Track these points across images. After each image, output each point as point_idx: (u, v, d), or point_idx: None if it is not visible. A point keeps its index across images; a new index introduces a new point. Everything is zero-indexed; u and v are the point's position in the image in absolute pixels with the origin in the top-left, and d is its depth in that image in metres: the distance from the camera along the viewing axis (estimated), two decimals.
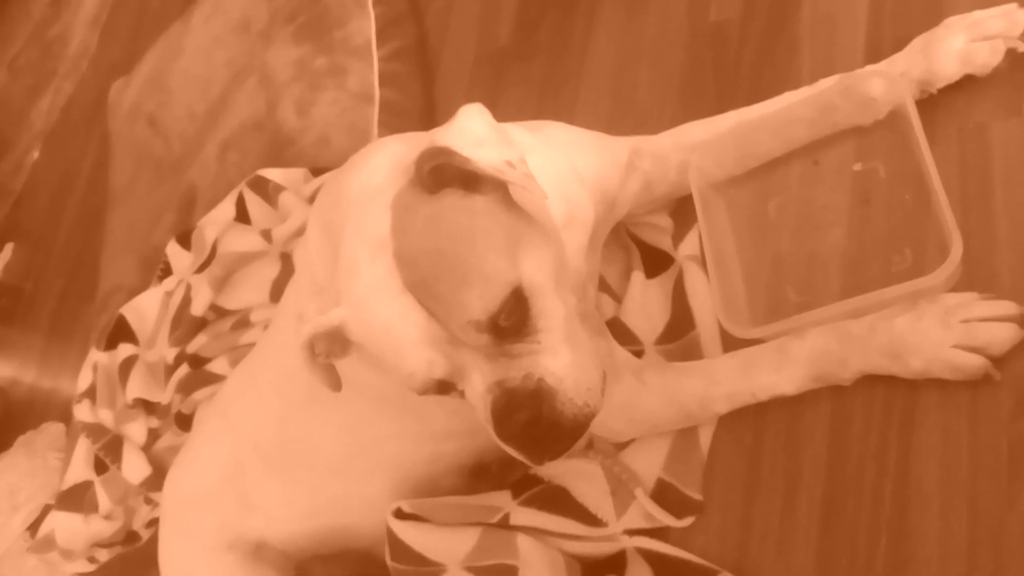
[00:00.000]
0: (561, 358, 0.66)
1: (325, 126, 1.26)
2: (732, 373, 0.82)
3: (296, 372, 0.74)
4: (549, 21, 1.24)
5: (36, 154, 2.29)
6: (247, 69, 1.43)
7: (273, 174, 1.22)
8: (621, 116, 1.12)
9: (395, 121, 1.26)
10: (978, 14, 0.84)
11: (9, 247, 2.20)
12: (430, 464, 0.87)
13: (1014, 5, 0.83)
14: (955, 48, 0.83)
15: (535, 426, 0.64)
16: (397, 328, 0.64)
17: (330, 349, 0.70)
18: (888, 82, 0.85)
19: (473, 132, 0.67)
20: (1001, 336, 0.73)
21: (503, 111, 1.25)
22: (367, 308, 0.65)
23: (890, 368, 0.77)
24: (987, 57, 0.82)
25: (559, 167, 0.83)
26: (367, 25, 1.32)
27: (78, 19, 2.31)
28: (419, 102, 1.29)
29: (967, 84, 0.84)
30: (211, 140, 1.43)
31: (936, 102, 0.86)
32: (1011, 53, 0.82)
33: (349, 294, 0.67)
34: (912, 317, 0.75)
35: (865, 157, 0.88)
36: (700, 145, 0.92)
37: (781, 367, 0.80)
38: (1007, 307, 0.74)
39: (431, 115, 1.29)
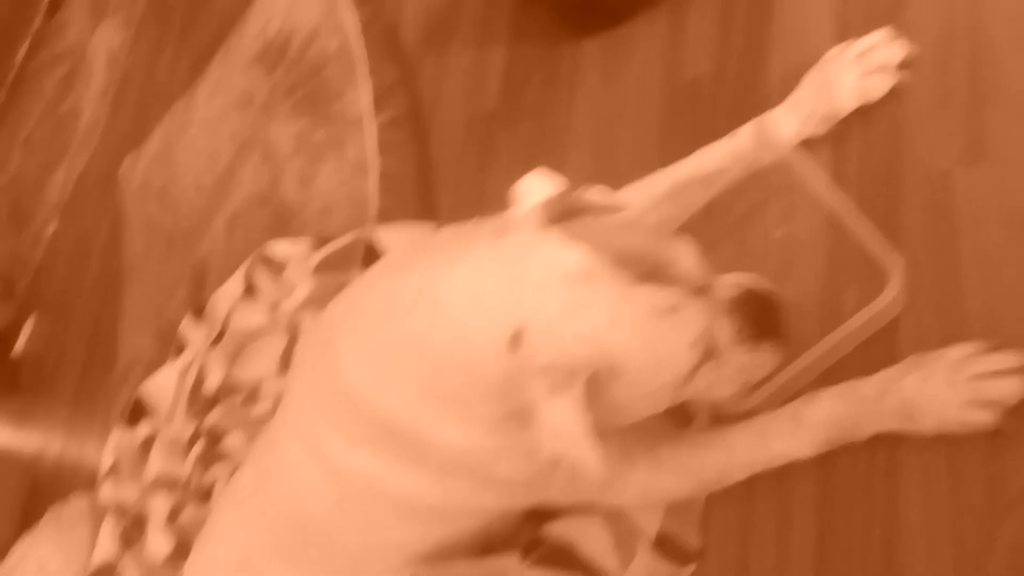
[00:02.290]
0: None
1: (327, 197, 1.32)
2: (748, 442, 0.85)
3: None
4: (534, 84, 1.29)
5: (53, 226, 2.37)
6: (251, 143, 1.49)
7: (279, 247, 1.28)
8: (605, 175, 1.16)
9: (393, 187, 1.31)
10: (859, 46, 0.92)
11: (31, 320, 2.27)
12: (444, 545, 0.90)
13: (888, 34, 0.92)
14: (850, 84, 0.91)
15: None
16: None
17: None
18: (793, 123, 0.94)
19: None
20: (1008, 391, 0.76)
21: (494, 174, 1.31)
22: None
23: (904, 427, 0.80)
24: (880, 88, 0.91)
25: None
26: (363, 96, 1.38)
27: (89, 93, 2.39)
28: (415, 168, 1.34)
29: (930, 131, 0.89)
30: (219, 214, 1.49)
31: (902, 149, 0.90)
32: (978, 99, 0.88)
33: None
34: (919, 378, 0.78)
35: (784, 222, 0.94)
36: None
37: (796, 433, 0.83)
38: (1009, 360, 0.77)
39: (427, 180, 1.34)
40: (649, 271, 0.70)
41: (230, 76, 1.60)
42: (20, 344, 2.19)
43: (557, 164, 1.25)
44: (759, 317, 0.75)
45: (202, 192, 1.57)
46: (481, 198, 1.31)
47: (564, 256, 0.69)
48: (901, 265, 0.80)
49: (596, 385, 0.69)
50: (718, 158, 0.96)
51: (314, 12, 1.49)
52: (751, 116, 1.03)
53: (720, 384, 0.77)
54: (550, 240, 0.70)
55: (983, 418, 0.76)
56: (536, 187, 0.75)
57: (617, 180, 1.17)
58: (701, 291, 0.72)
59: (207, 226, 1.52)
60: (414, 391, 0.74)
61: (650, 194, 0.99)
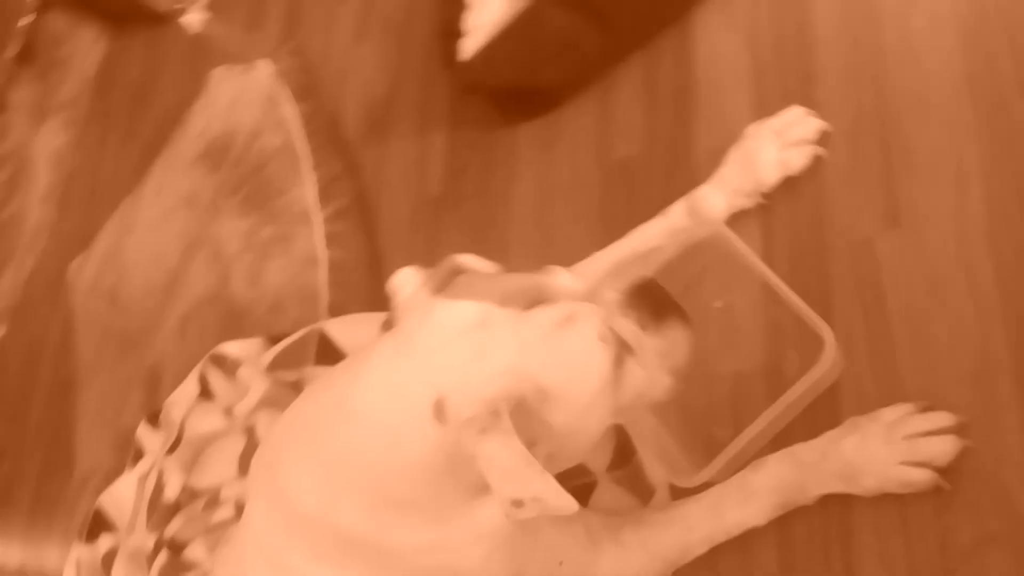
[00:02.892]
0: None
1: (277, 294, 1.32)
2: (703, 516, 0.87)
3: None
4: (474, 168, 1.33)
5: (2, 331, 2.33)
6: (199, 242, 1.50)
7: (231, 348, 1.27)
8: (549, 251, 1.19)
9: (343, 279, 1.33)
10: (776, 123, 0.98)
11: None
12: None
13: (801, 111, 0.98)
14: (772, 159, 0.96)
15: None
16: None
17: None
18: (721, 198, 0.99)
19: None
20: (943, 449, 0.79)
21: (443, 257, 1.32)
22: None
23: (847, 489, 0.82)
24: (801, 162, 0.97)
25: None
26: (308, 191, 1.40)
27: (32, 196, 2.37)
28: (364, 257, 1.35)
29: (849, 201, 0.94)
30: (170, 314, 1.48)
31: (824, 218, 0.94)
32: (890, 168, 0.92)
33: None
34: (857, 439, 0.82)
35: (722, 293, 0.98)
36: None
37: (747, 502, 0.85)
38: (943, 419, 0.81)
39: (377, 269, 1.36)
40: (534, 299, 0.72)
41: (175, 176, 1.61)
42: None
43: (502, 243, 1.29)
44: (651, 302, 0.78)
45: (152, 293, 1.56)
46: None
47: (453, 313, 0.71)
48: (831, 334, 0.83)
49: (528, 412, 0.69)
50: (655, 235, 1.00)
51: (255, 110, 1.52)
52: (682, 191, 1.07)
53: (653, 378, 0.78)
54: (436, 306, 0.72)
55: (921, 478, 0.79)
56: (408, 277, 0.78)
57: (561, 255, 1.19)
58: (588, 298, 0.75)
59: (159, 327, 1.51)
60: (365, 503, 0.74)
61: (594, 272, 1.01)
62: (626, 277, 0.98)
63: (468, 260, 0.83)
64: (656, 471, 0.96)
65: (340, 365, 0.84)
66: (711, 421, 0.95)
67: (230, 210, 1.46)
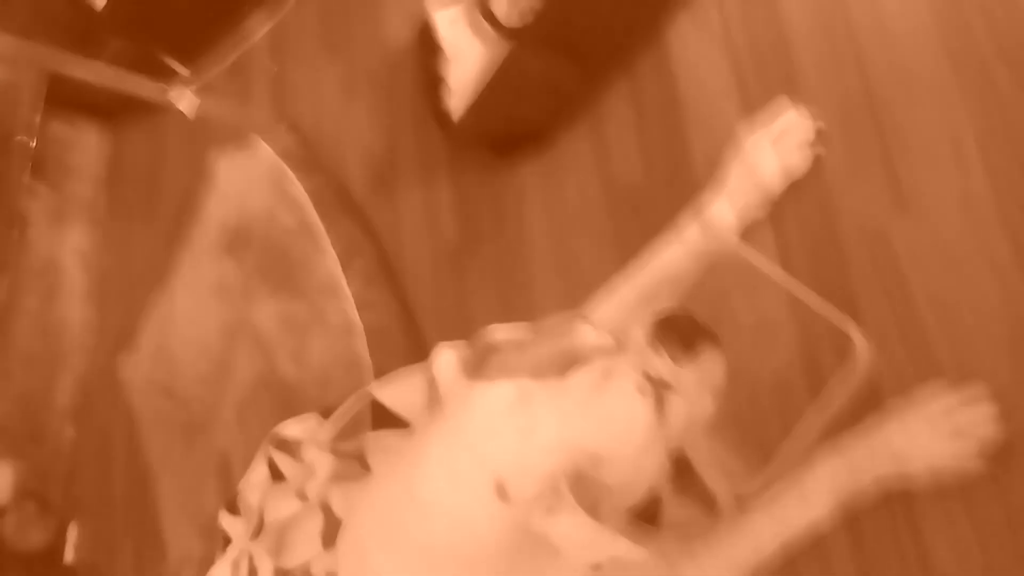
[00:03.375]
0: None
1: (323, 369, 1.37)
2: (768, 521, 0.89)
3: None
4: (485, 212, 1.36)
5: (70, 433, 2.42)
6: (237, 329, 1.55)
7: (290, 429, 1.32)
8: (571, 281, 1.22)
9: (381, 341, 1.37)
10: (773, 129, 0.99)
11: (73, 527, 2.30)
12: None
13: (795, 114, 0.98)
14: (774, 168, 0.97)
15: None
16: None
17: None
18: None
19: None
20: (982, 418, 0.82)
21: (473, 300, 1.36)
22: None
23: (899, 473, 0.85)
24: (802, 165, 0.98)
25: None
26: (331, 262, 1.44)
27: (71, 299, 2.46)
28: (397, 317, 1.39)
29: (856, 194, 0.95)
30: (226, 402, 1.54)
31: (835, 216, 0.96)
32: (889, 155, 0.93)
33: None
34: (899, 425, 0.84)
35: (750, 309, 0.99)
36: None
37: (806, 500, 0.88)
38: (977, 389, 0.83)
39: (411, 324, 1.40)
40: (567, 363, 0.76)
41: (202, 267, 1.67)
42: (69, 554, 2.23)
43: (526, 280, 1.32)
44: (679, 334, 0.79)
45: (204, 383, 1.62)
46: (466, 324, 1.36)
47: (494, 396, 0.75)
48: (858, 333, 0.85)
49: (585, 481, 0.73)
50: (675, 258, 1.02)
51: (266, 194, 1.56)
52: (688, 202, 1.09)
53: (695, 408, 0.80)
54: (476, 391, 0.76)
55: (967, 448, 0.82)
56: (447, 361, 0.82)
57: (583, 283, 1.22)
58: (619, 348, 0.78)
59: (217, 415, 1.57)
60: None
61: (622, 304, 1.04)
62: (651, 310, 1.01)
63: (497, 332, 0.86)
64: (715, 479, 0.99)
65: (400, 450, 0.88)
66: (760, 425, 0.97)
67: (261, 294, 1.51)
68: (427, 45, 1.40)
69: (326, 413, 1.34)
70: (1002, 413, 0.81)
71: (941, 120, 0.90)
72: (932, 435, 0.82)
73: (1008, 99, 0.87)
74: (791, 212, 0.98)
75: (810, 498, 0.87)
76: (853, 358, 0.86)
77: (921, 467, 0.83)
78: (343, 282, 1.41)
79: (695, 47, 1.11)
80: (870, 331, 0.90)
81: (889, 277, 0.91)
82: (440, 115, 1.33)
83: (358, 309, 1.38)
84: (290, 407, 1.41)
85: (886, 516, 0.85)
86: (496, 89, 1.18)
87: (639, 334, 0.80)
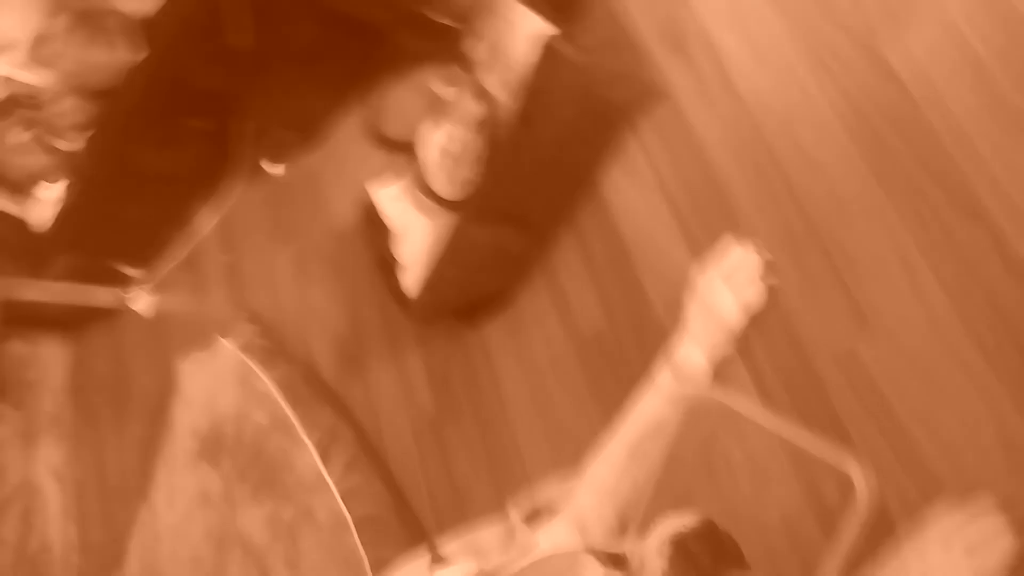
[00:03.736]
0: None
1: (319, 571, 1.31)
2: None
3: None
4: (457, 378, 1.35)
5: None
6: (227, 539, 1.49)
7: None
8: (555, 436, 1.20)
9: (375, 529, 1.32)
10: (724, 269, 1.00)
11: None
12: None
13: (741, 251, 1.00)
14: (731, 305, 0.98)
15: None
16: None
17: None
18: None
19: None
20: (996, 533, 0.79)
21: (459, 468, 1.34)
22: None
23: None
24: (759, 299, 0.99)
25: None
26: (310, 454, 1.40)
27: (50, 522, 2.37)
28: (387, 501, 1.36)
29: (818, 319, 0.96)
30: None
31: (802, 343, 0.96)
32: (841, 276, 0.95)
33: None
34: (922, 562, 0.81)
35: (739, 445, 0.98)
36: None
37: None
38: (985, 503, 0.81)
39: (403, 506, 1.36)
40: None
41: (180, 477, 1.62)
42: None
43: (511, 441, 1.30)
44: (698, 562, 0.74)
45: None
46: (458, 495, 1.33)
47: None
48: (854, 463, 0.84)
49: None
50: (654, 408, 1.01)
51: (233, 393, 1.54)
52: (656, 346, 1.09)
53: None
54: None
55: (989, 564, 0.79)
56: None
57: (567, 438, 1.21)
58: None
59: None
60: None
61: (614, 465, 1.02)
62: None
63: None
64: None
65: None
66: (778, 570, 0.94)
67: (245, 499, 1.46)
68: (373, 224, 1.42)
69: None
70: (1012, 520, 0.80)
71: (884, 239, 0.92)
72: (948, 557, 0.80)
73: (939, 207, 0.89)
74: (759, 345, 0.98)
75: None
76: (855, 491, 0.85)
77: None
78: (325, 474, 1.38)
79: (631, 195, 1.14)
80: (863, 455, 0.88)
81: (869, 398, 0.90)
82: (397, 293, 1.33)
83: (344, 500, 1.34)
84: None
85: None
86: (447, 263, 1.19)
87: (655, 559, 0.75)
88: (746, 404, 0.95)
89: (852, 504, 0.86)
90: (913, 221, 0.91)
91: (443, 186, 1.30)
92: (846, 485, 0.88)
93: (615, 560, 0.74)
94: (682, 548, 0.74)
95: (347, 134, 1.64)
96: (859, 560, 0.86)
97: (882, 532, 0.86)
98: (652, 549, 0.75)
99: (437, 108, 1.46)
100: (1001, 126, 0.87)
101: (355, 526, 1.32)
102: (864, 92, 0.97)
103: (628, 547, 0.75)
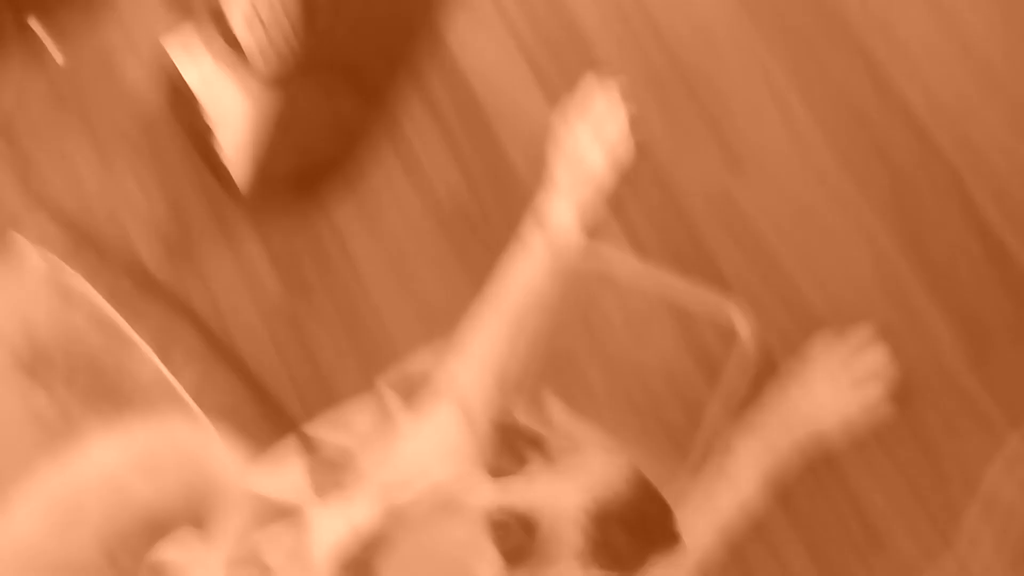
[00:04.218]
0: None
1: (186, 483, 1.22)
2: (702, 517, 0.86)
3: None
4: (307, 262, 1.23)
5: None
6: None
7: (168, 552, 1.18)
8: (426, 314, 1.13)
9: (237, 427, 1.23)
10: (588, 115, 0.93)
11: None
12: None
13: (602, 94, 0.93)
14: (599, 155, 0.92)
15: None
16: None
17: None
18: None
19: None
20: (877, 359, 0.82)
21: (323, 354, 1.24)
22: None
23: (816, 431, 0.84)
24: (628, 146, 0.92)
25: None
26: (148, 358, 1.26)
27: None
28: (243, 392, 1.26)
29: (689, 161, 0.90)
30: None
31: (673, 187, 0.92)
32: (711, 113, 0.89)
33: None
34: (801, 389, 0.84)
35: (620, 306, 0.94)
36: None
37: (733, 484, 0.86)
38: (863, 332, 0.83)
39: (262, 398, 1.26)
40: None
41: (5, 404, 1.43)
42: None
43: (374, 319, 1.22)
44: (620, 548, 0.63)
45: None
46: (321, 381, 1.25)
47: None
48: (731, 303, 0.83)
49: None
50: (530, 275, 0.95)
51: (45, 302, 1.34)
52: (520, 204, 1.02)
53: None
54: None
55: (875, 392, 0.82)
56: None
57: (436, 309, 1.14)
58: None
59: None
60: None
61: (493, 337, 0.96)
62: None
63: None
64: None
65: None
66: (661, 413, 0.94)
67: (84, 416, 1.31)
68: (181, 97, 1.23)
69: (198, 524, 1.20)
70: (892, 350, 0.82)
71: (753, 71, 0.87)
72: (834, 390, 0.82)
73: (810, 35, 0.84)
74: (630, 196, 0.93)
75: (735, 480, 0.86)
76: (737, 335, 0.84)
77: (833, 424, 0.83)
78: (167, 373, 1.25)
79: (478, 42, 1.02)
80: (742, 297, 0.88)
81: (744, 236, 0.88)
82: (220, 174, 1.17)
83: (199, 401, 1.23)
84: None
85: (813, 481, 0.85)
86: (274, 137, 1.04)
87: (571, 531, 0.64)
88: (621, 259, 0.90)
89: (735, 349, 0.86)
90: (782, 50, 0.86)
91: (256, 43, 1.12)
92: (728, 331, 0.87)
93: (521, 528, 0.64)
94: (604, 527, 0.63)
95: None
96: (745, 402, 0.87)
97: (766, 374, 0.87)
98: (568, 517, 0.64)
99: None
100: None
101: (211, 424, 1.22)
102: None
103: (537, 491, 0.65)
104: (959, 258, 0.81)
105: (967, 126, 0.81)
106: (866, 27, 0.82)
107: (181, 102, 1.22)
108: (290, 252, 1.24)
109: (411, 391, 1.01)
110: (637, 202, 0.93)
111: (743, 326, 0.84)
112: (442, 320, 1.10)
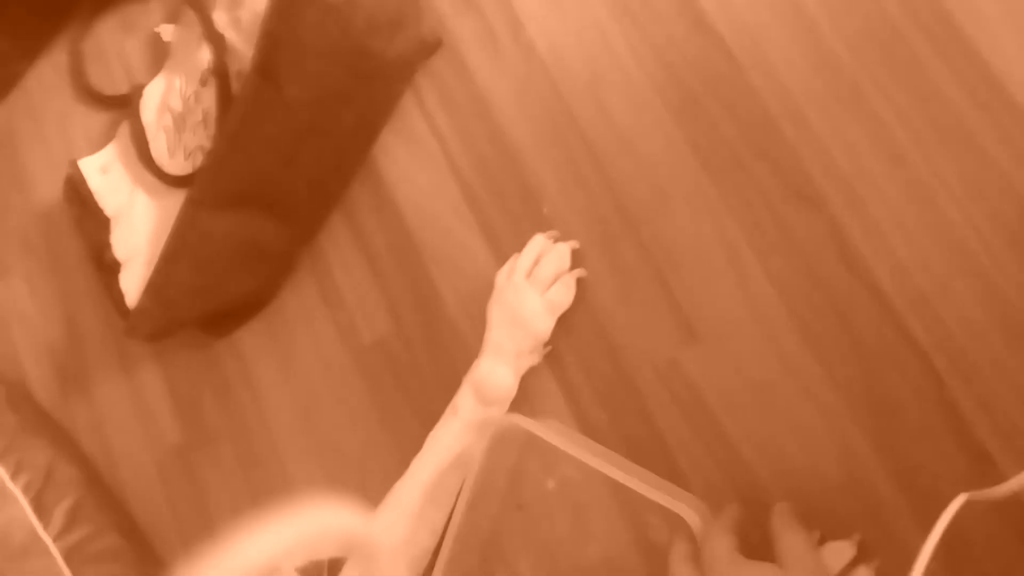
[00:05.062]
0: None
1: None
2: None
3: None
4: (208, 397, 1.09)
5: None
6: None
7: None
8: (333, 465, 0.99)
9: None
10: (524, 263, 0.83)
11: None
12: None
13: (542, 239, 0.84)
14: (537, 307, 0.82)
15: None
16: None
17: None
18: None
19: None
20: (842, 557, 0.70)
21: (216, 503, 1.09)
22: None
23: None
24: (568, 296, 0.83)
25: None
26: (20, 510, 1.09)
27: None
28: (128, 554, 1.09)
29: (637, 325, 0.81)
30: None
31: (615, 350, 0.81)
32: (662, 265, 0.80)
33: None
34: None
35: (549, 473, 0.83)
36: None
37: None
38: (845, 554, 0.70)
39: (148, 560, 1.10)
40: None
41: None
42: None
43: (279, 472, 1.07)
44: None
45: None
46: (214, 539, 1.09)
47: None
48: (687, 509, 0.71)
49: None
50: (454, 438, 0.83)
51: None
52: (450, 355, 0.91)
53: None
54: None
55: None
56: None
57: (344, 460, 1.00)
58: None
59: None
60: None
61: (408, 511, 0.84)
62: (446, 499, 0.82)
63: None
64: None
65: None
66: None
67: None
68: (83, 204, 1.11)
69: None
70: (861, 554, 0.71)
71: (705, 226, 0.78)
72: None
73: (767, 188, 0.76)
74: (567, 352, 0.82)
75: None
76: (686, 527, 0.72)
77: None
78: (40, 531, 1.08)
79: (413, 172, 0.92)
80: (690, 476, 0.76)
81: (696, 414, 0.77)
82: (116, 297, 1.04)
83: (69, 562, 1.06)
84: None
85: None
86: (176, 261, 0.92)
87: None
88: (558, 428, 0.79)
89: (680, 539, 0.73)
90: (737, 204, 0.77)
91: (166, 155, 1.02)
92: (675, 521, 0.75)
93: None
94: None
95: (43, 84, 1.28)
96: None
97: None
98: None
99: (158, 53, 1.16)
100: (832, 91, 0.75)
101: None
102: (678, 49, 0.82)
103: None
104: (936, 457, 0.71)
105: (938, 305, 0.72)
106: (829, 184, 0.75)
107: (83, 211, 1.10)
108: (191, 389, 1.11)
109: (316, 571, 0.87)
110: (576, 359, 0.82)
111: (694, 519, 0.72)
112: (349, 469, 0.98)
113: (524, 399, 0.84)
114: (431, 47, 0.93)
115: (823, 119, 0.75)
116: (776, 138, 0.76)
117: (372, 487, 0.94)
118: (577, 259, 0.83)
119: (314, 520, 0.68)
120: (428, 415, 0.90)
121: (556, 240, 0.83)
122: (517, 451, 0.83)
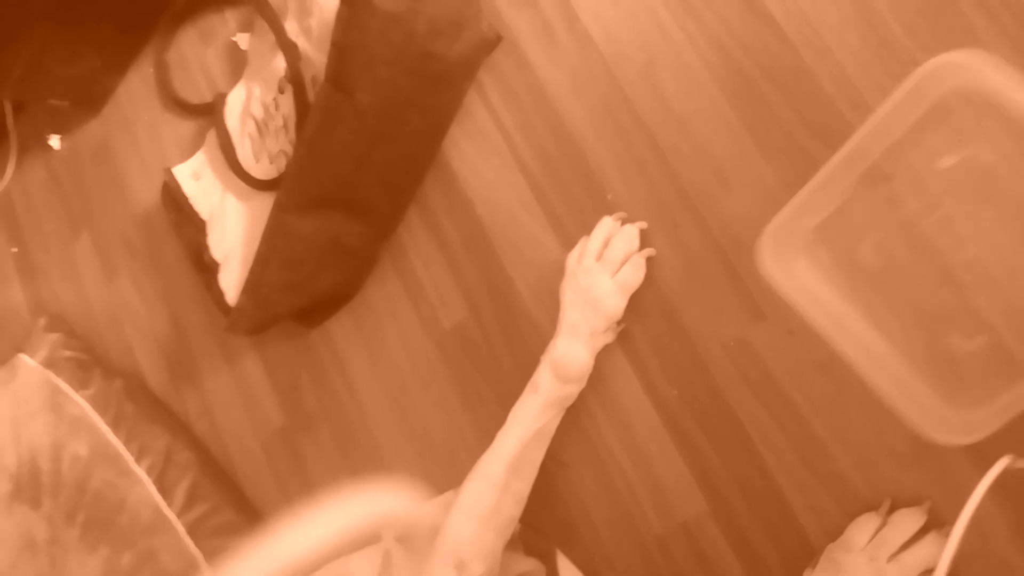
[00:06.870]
0: None
1: None
2: None
3: None
4: (306, 384, 1.17)
5: None
6: None
7: None
8: (421, 443, 1.06)
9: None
10: (591, 247, 0.87)
11: None
12: None
13: (611, 222, 0.87)
14: (608, 288, 0.85)
15: None
16: None
17: None
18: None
19: None
20: (928, 554, 0.71)
21: (319, 481, 1.18)
22: None
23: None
24: (637, 277, 0.86)
25: None
26: (145, 488, 1.21)
27: None
28: (237, 515, 1.19)
29: (704, 303, 0.84)
30: None
31: (685, 328, 0.84)
32: (728, 257, 0.83)
33: None
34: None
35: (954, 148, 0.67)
36: None
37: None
38: (915, 520, 0.73)
39: (256, 522, 1.20)
40: None
41: (2, 523, 1.38)
42: None
43: (373, 450, 1.15)
44: None
45: None
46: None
47: None
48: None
49: None
50: (535, 415, 0.88)
51: (43, 421, 1.30)
52: (524, 339, 0.96)
53: None
54: None
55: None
56: None
57: (431, 442, 1.07)
58: None
59: None
60: None
61: (494, 484, 0.89)
62: (529, 469, 0.87)
63: None
64: None
65: None
66: (951, 327, 0.79)
67: (75, 545, 1.26)
68: (179, 208, 1.20)
69: None
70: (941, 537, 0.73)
71: (767, 206, 0.80)
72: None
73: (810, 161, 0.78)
74: (638, 332, 0.86)
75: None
76: None
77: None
78: (166, 509, 1.19)
79: (481, 166, 0.97)
80: (763, 450, 0.79)
81: (766, 391, 0.79)
82: (216, 294, 1.13)
83: (195, 537, 1.17)
84: None
85: None
86: (267, 262, 0.99)
87: None
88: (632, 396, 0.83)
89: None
90: (795, 183, 0.78)
91: (252, 160, 1.09)
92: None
93: None
94: None
95: (133, 97, 1.37)
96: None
97: (801, 555, 0.78)
98: None
99: (236, 61, 1.22)
100: (891, 74, 0.76)
101: (208, 566, 1.15)
102: (732, 32, 0.83)
103: None
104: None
105: None
106: (890, 163, 0.75)
107: (180, 215, 1.19)
108: (290, 375, 1.19)
109: (414, 544, 0.94)
110: (647, 338, 0.85)
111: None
112: (438, 450, 1.04)
113: (598, 377, 0.88)
114: (491, 44, 0.96)
115: (879, 98, 0.75)
116: (833, 118, 0.77)
117: (459, 463, 1.01)
118: (644, 241, 0.86)
119: (366, 505, 0.75)
120: (506, 393, 0.95)
121: (623, 222, 0.87)
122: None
